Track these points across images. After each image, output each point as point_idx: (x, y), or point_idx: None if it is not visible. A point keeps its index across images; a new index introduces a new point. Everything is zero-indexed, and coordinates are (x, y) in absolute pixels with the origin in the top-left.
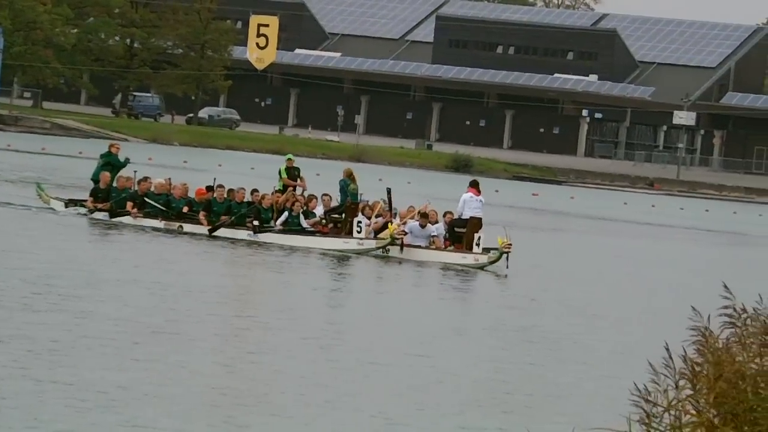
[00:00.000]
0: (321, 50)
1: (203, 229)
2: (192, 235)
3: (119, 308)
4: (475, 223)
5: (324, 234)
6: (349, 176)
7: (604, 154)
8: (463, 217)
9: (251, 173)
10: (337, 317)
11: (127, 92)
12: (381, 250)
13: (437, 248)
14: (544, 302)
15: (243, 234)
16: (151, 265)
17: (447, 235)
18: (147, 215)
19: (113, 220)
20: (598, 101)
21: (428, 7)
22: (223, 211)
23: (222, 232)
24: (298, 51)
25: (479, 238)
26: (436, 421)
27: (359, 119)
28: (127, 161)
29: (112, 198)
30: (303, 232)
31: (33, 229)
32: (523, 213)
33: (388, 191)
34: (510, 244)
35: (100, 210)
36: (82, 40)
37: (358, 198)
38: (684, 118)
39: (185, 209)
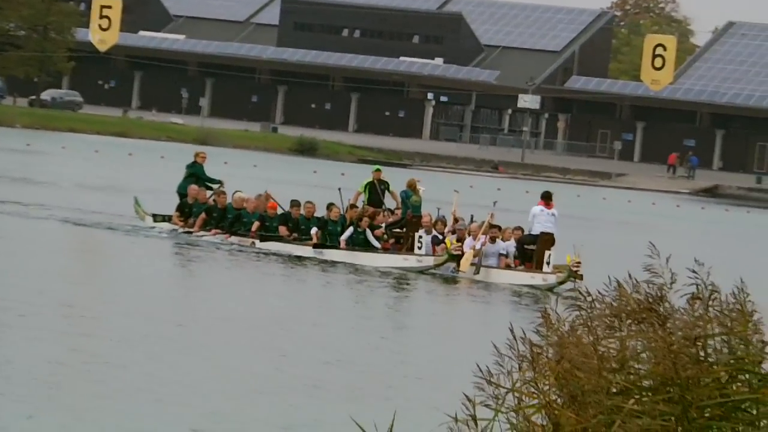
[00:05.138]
0: (165, 32)
1: (275, 246)
2: (264, 253)
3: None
4: (546, 240)
5: (385, 250)
6: (412, 187)
7: (449, 138)
8: (533, 232)
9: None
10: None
11: None
12: (437, 267)
13: (506, 267)
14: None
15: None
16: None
17: (516, 252)
18: (223, 231)
19: (192, 237)
20: (443, 85)
21: None
22: (312, 227)
23: (281, 247)
24: (142, 33)
25: (549, 256)
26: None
27: (204, 102)
28: (219, 184)
29: (193, 213)
30: (364, 249)
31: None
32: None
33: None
34: (579, 263)
35: (188, 231)
36: None
37: (421, 211)
38: (528, 101)
39: (255, 225)
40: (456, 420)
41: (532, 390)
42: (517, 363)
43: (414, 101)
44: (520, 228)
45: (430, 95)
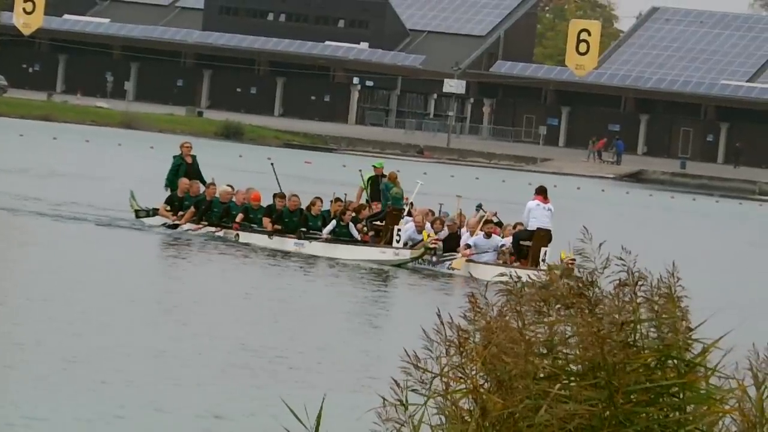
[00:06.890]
0: (90, 16)
1: (258, 238)
2: (246, 245)
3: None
4: (542, 236)
5: (364, 243)
6: (392, 180)
7: (375, 122)
8: (529, 228)
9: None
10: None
11: None
12: (415, 261)
13: (504, 262)
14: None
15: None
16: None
17: (512, 249)
18: (210, 224)
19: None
20: (369, 69)
21: None
22: (297, 220)
23: (268, 241)
24: (66, 16)
25: (545, 252)
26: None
27: (129, 86)
28: (198, 176)
29: (184, 206)
30: (343, 241)
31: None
32: (297, 182)
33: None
34: (573, 260)
35: (174, 224)
36: None
37: (402, 203)
38: (454, 86)
39: (239, 217)
40: (384, 404)
41: (460, 375)
42: (445, 348)
43: (339, 85)
44: (519, 223)
45: (355, 79)
